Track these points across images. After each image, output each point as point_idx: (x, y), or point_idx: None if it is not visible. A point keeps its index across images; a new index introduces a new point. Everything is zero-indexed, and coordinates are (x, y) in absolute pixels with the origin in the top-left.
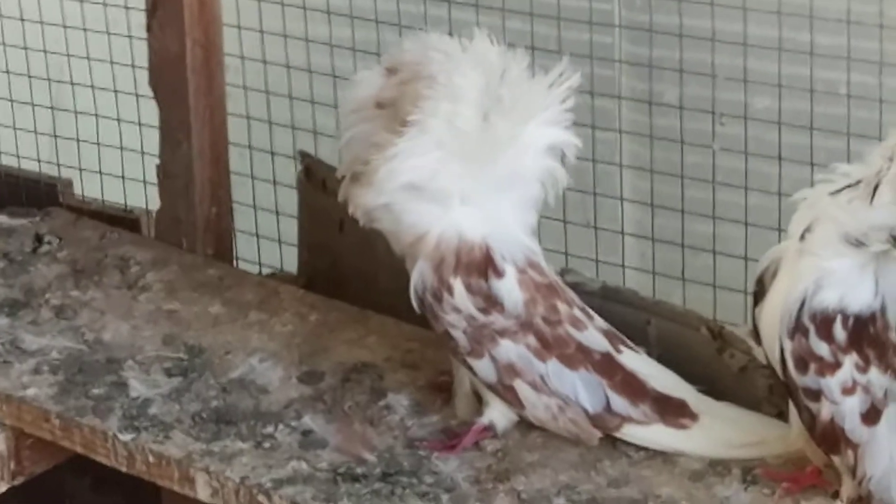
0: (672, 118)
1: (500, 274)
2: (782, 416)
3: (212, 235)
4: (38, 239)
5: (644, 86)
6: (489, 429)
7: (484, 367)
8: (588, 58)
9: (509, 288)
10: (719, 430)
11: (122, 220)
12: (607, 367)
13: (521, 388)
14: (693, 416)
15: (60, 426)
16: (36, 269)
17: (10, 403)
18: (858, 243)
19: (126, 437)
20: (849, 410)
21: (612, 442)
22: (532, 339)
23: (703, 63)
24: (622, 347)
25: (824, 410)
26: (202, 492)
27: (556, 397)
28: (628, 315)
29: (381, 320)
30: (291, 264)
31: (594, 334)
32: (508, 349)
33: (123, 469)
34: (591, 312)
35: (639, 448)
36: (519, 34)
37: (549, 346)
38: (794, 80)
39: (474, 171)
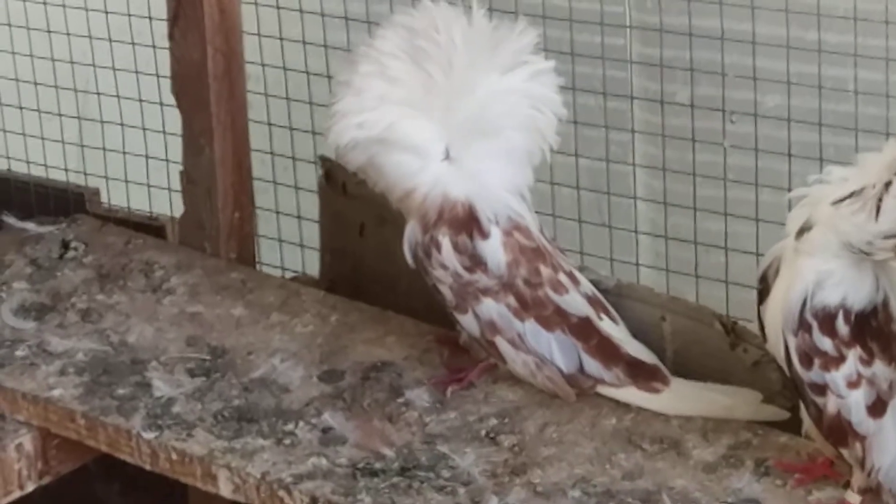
0: (684, 118)
1: (484, 234)
2: (795, 409)
3: (234, 240)
4: (65, 245)
5: (655, 86)
6: (495, 365)
7: (468, 321)
8: (600, 59)
9: (493, 249)
10: (690, 393)
11: (148, 228)
12: (583, 331)
13: (502, 344)
14: (665, 380)
15: (86, 425)
16: (63, 274)
17: (37, 404)
18: (861, 252)
19: (149, 435)
20: (855, 403)
21: (626, 436)
22: (512, 300)
23: (713, 62)
24: (604, 315)
25: (830, 404)
26: (224, 488)
27: (533, 355)
28: (643, 312)
29: (401, 320)
30: (314, 268)
31: (575, 298)
32: (490, 307)
33: (147, 467)
34: (580, 278)
35: (653, 441)
36: None
37: (528, 306)
38: (802, 77)
39: (444, 122)
